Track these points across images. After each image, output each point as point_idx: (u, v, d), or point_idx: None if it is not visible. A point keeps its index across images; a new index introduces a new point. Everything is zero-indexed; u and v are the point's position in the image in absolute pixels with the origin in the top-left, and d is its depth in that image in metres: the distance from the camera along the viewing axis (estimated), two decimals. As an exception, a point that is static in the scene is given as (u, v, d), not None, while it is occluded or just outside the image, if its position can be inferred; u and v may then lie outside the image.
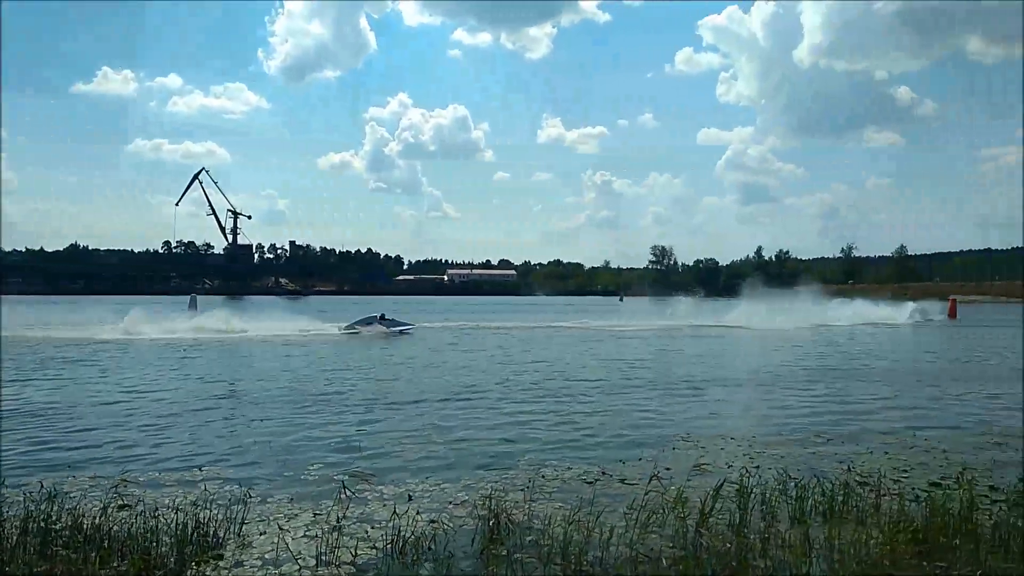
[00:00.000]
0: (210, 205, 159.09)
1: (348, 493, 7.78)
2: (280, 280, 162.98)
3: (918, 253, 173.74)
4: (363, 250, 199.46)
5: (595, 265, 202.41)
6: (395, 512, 7.04)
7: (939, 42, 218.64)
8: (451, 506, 7.80)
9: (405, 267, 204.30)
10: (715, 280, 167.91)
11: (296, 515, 7.47)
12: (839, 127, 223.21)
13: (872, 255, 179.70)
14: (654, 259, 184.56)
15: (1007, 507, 7.19)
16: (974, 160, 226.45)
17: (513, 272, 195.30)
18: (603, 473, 9.20)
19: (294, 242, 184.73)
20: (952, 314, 58.86)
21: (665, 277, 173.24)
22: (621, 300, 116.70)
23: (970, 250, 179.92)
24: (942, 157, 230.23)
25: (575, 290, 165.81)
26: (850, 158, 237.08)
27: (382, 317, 36.47)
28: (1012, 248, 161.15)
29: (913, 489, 8.26)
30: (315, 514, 7.47)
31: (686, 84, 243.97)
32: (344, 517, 7.23)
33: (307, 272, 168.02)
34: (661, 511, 7.09)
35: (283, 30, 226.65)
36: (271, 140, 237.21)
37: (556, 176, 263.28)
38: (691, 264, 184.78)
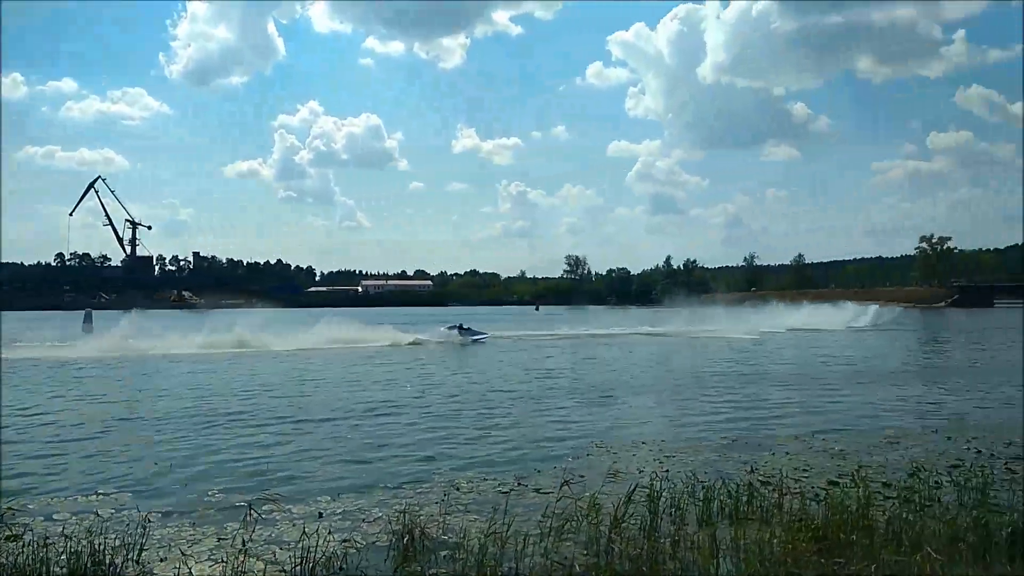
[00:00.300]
0: (107, 215, 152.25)
1: (255, 514, 7.50)
2: (184, 293, 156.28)
3: (815, 261, 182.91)
4: (273, 261, 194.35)
5: (511, 275, 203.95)
6: (305, 532, 6.83)
7: (832, 62, 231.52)
8: (364, 523, 7.65)
9: (318, 278, 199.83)
10: (627, 289, 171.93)
11: (200, 539, 7.16)
12: (740, 141, 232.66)
13: (772, 263, 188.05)
14: (568, 268, 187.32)
15: (899, 502, 7.60)
16: (865, 173, 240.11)
17: (429, 283, 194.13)
18: (519, 483, 9.23)
19: (198, 253, 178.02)
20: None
21: (579, 286, 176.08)
22: (537, 309, 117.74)
23: (862, 258, 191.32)
24: (836, 170, 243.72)
25: (492, 300, 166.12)
26: (751, 171, 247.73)
27: (461, 327, 38.15)
28: (901, 256, 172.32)
29: (813, 488, 8.63)
30: (220, 538, 7.18)
31: (597, 97, 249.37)
32: (251, 540, 6.97)
33: (212, 284, 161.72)
34: (575, 518, 7.15)
35: (186, 34, 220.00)
36: (173, 147, 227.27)
37: (472, 186, 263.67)
38: (604, 273, 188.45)
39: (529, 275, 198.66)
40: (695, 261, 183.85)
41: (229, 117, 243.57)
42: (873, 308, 60.11)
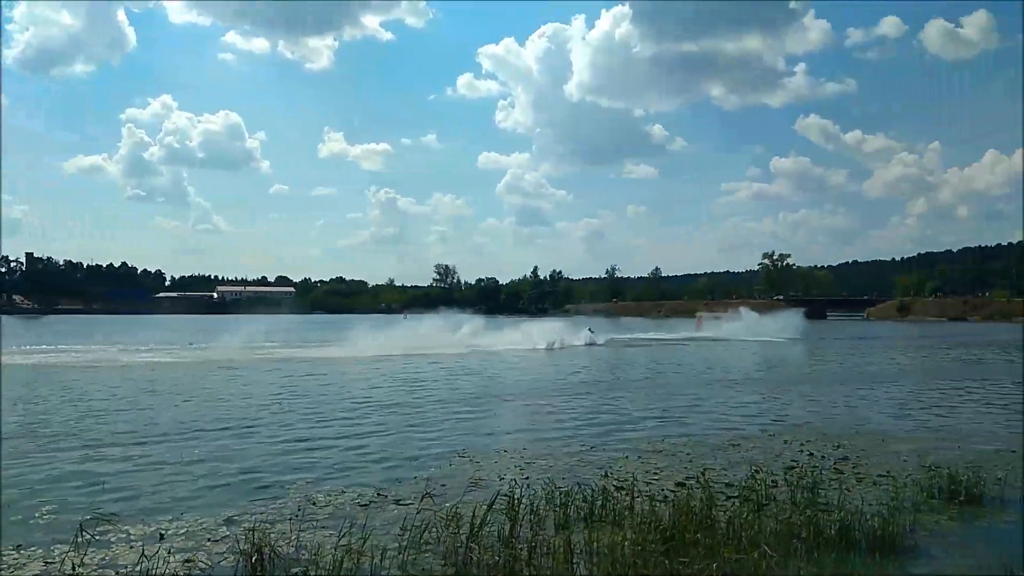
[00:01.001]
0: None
1: (86, 536, 6.93)
2: (14, 297, 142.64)
3: (670, 275, 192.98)
4: (117, 264, 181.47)
5: (380, 283, 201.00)
6: (143, 554, 6.38)
7: (688, 87, 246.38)
8: (209, 543, 7.22)
9: (168, 283, 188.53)
10: (495, 298, 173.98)
11: (24, 564, 6.55)
12: (603, 158, 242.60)
13: (632, 276, 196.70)
14: (438, 277, 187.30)
15: (739, 502, 8.10)
16: (715, 193, 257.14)
17: (292, 289, 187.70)
18: (378, 495, 9.03)
19: (31, 254, 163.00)
20: (699, 328, 65.80)
21: (448, 295, 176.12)
22: (405, 318, 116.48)
23: (713, 272, 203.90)
24: (690, 189, 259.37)
25: (359, 308, 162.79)
26: (614, 187, 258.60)
27: (590, 331, 45.26)
28: (746, 271, 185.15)
29: (662, 490, 9.03)
30: (47, 562, 6.60)
31: (468, 108, 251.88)
32: (82, 564, 6.45)
33: (47, 288, 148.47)
34: (434, 529, 7.10)
35: (24, 17, 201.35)
36: (6, 139, 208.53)
37: (339, 191, 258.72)
38: (473, 283, 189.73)
39: (398, 283, 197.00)
40: (560, 272, 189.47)
41: (71, 109, 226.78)
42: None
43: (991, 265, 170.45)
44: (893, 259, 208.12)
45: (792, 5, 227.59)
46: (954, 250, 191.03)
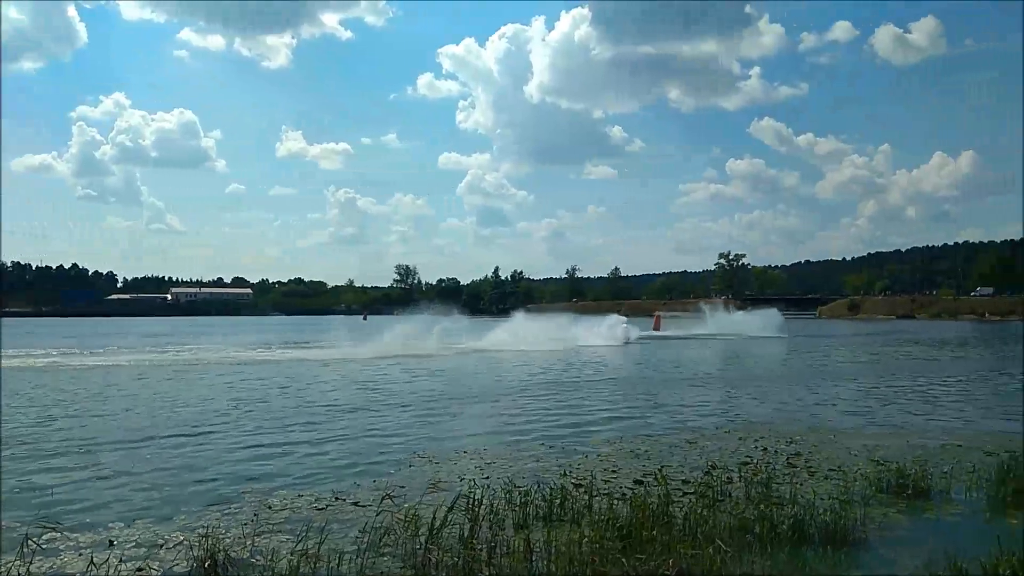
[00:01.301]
0: None
1: (32, 544, 6.71)
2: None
3: (629, 275, 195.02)
4: (67, 265, 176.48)
5: (339, 283, 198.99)
6: (92, 562, 6.23)
7: (645, 89, 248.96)
8: (161, 550, 7.05)
9: (120, 285, 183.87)
10: (456, 299, 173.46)
11: (-35, 576, 6.30)
12: (563, 159, 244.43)
13: (592, 275, 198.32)
14: (398, 278, 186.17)
15: (695, 498, 8.21)
16: (673, 194, 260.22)
17: (249, 290, 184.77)
18: (336, 498, 8.94)
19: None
20: (656, 327, 66.46)
21: (409, 296, 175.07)
22: (365, 319, 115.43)
23: (670, 272, 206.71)
24: (648, 190, 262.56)
25: (318, 309, 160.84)
26: (574, 187, 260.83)
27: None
28: (703, 270, 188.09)
29: (621, 488, 9.11)
30: (-10, 574, 6.36)
31: (428, 108, 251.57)
32: (28, 574, 6.23)
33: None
34: (393, 531, 7.06)
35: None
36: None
37: (297, 191, 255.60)
38: (434, 283, 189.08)
39: (358, 284, 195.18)
40: (522, 272, 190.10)
41: (19, 106, 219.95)
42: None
43: (938, 265, 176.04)
44: (844, 259, 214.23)
45: (747, 9, 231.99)
46: (903, 250, 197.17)
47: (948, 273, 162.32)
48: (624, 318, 53.48)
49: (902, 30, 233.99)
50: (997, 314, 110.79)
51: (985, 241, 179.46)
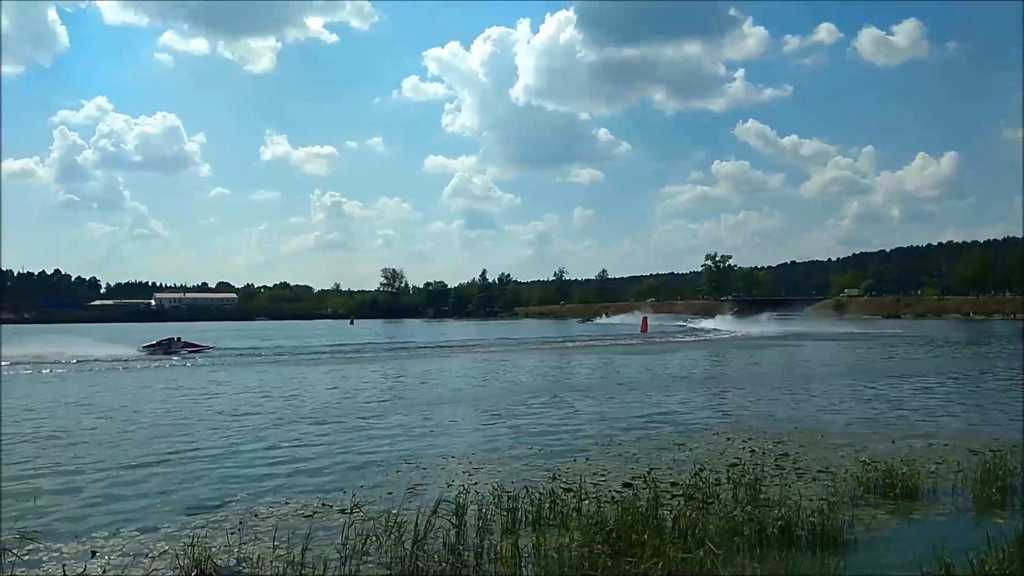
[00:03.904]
0: None
1: (14, 555, 6.62)
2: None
3: (616, 277, 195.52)
4: (49, 271, 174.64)
5: (325, 287, 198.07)
6: (75, 572, 6.12)
7: (629, 92, 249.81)
8: (147, 559, 6.94)
9: (103, 291, 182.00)
10: (444, 302, 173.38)
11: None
12: (549, 162, 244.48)
13: (579, 278, 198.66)
14: (385, 282, 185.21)
15: (684, 501, 8.17)
16: (659, 196, 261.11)
17: (234, 295, 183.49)
18: (323, 504, 8.85)
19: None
20: (644, 329, 66.70)
21: (396, 300, 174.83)
22: (352, 324, 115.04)
23: (657, 274, 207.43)
24: (633, 193, 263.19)
25: (303, 314, 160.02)
26: (561, 190, 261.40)
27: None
28: (690, 272, 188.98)
29: (609, 491, 9.07)
30: (-33, 587, 6.24)
31: (414, 111, 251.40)
32: (8, 587, 6.13)
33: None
34: (378, 537, 6.99)
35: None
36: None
37: (282, 195, 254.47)
38: (421, 287, 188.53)
39: (344, 288, 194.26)
40: (509, 275, 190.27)
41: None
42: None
43: (921, 264, 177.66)
44: (829, 259, 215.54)
45: (731, 12, 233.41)
46: (887, 250, 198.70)
47: (931, 272, 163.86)
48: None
49: (885, 32, 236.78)
50: (981, 313, 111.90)
51: (968, 241, 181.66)
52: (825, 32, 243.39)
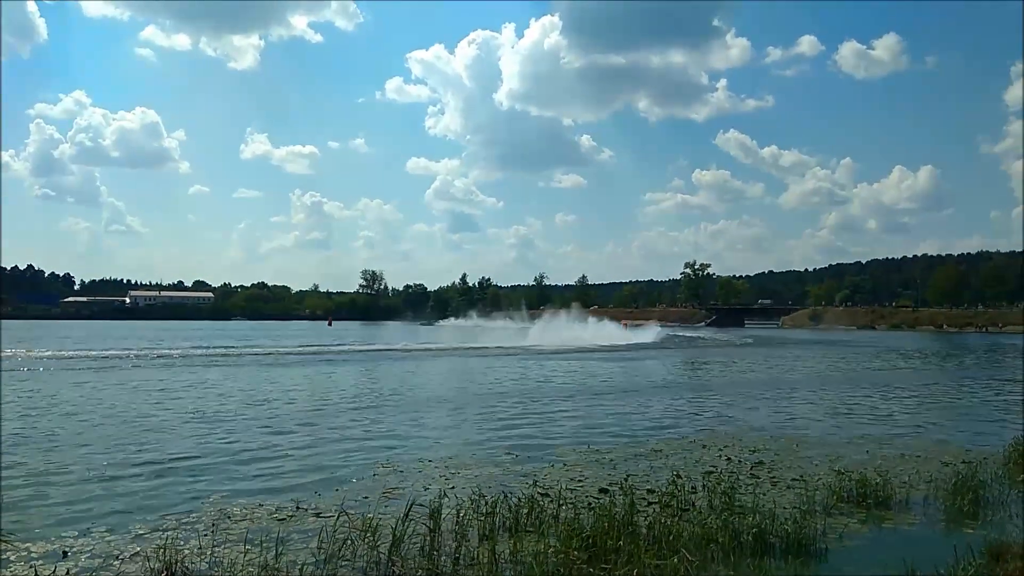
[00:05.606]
0: None
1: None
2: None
3: (597, 283, 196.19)
4: (22, 267, 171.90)
5: (304, 288, 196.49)
6: (44, 574, 6.02)
7: (614, 98, 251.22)
8: (117, 561, 6.85)
9: (77, 287, 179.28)
10: (423, 305, 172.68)
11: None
12: (533, 166, 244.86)
13: (560, 283, 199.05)
14: (365, 283, 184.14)
15: (660, 508, 8.21)
16: (640, 203, 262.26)
17: (210, 294, 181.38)
18: (297, 508, 8.77)
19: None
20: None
21: (375, 301, 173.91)
22: (330, 325, 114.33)
23: (637, 280, 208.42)
24: (616, 199, 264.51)
25: (281, 314, 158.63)
26: (543, 195, 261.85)
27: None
28: (669, 279, 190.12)
29: (586, 497, 9.08)
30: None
31: (397, 112, 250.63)
32: (-27, 588, 6.01)
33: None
34: (353, 542, 6.94)
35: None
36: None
37: (262, 194, 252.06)
38: (401, 288, 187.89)
39: (323, 289, 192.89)
40: (490, 279, 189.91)
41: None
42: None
43: (897, 276, 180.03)
44: (806, 269, 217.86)
45: (715, 22, 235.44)
46: (863, 261, 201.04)
47: (907, 284, 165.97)
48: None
49: (865, 46, 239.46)
50: (954, 326, 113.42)
51: (943, 254, 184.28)
52: (807, 44, 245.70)
